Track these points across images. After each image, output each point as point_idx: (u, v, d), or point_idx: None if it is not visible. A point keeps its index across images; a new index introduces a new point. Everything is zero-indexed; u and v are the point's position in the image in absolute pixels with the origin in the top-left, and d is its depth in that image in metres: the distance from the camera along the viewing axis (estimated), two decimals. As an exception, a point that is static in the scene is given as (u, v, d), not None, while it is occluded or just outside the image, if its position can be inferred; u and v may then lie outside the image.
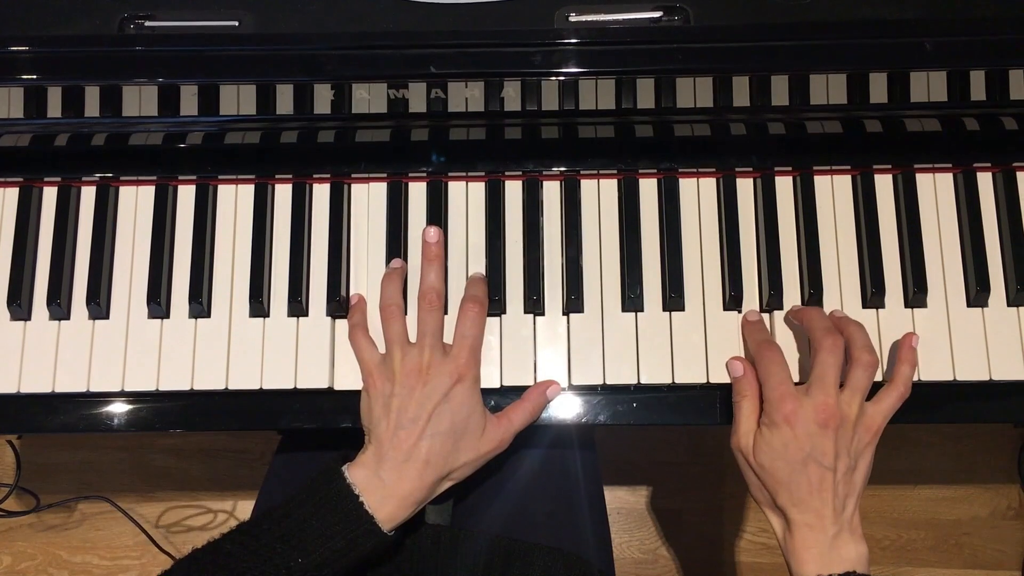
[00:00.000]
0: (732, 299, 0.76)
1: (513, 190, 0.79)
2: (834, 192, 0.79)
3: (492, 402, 0.75)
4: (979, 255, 0.77)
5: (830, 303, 0.76)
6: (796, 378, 0.74)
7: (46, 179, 0.80)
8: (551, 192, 0.79)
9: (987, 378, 0.75)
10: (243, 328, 0.77)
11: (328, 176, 0.80)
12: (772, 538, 1.49)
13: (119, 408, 0.76)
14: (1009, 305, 0.77)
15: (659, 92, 0.73)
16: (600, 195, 0.79)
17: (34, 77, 0.73)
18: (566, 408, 0.76)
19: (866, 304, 0.77)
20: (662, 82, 0.72)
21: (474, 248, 0.78)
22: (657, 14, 0.73)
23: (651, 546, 1.49)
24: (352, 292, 0.78)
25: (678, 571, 1.50)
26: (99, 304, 0.77)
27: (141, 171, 0.80)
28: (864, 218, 0.78)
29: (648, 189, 0.79)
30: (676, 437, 1.52)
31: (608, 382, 0.75)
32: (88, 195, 0.80)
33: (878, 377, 0.74)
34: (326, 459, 0.71)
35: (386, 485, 0.68)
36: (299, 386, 0.76)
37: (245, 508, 1.52)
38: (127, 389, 0.76)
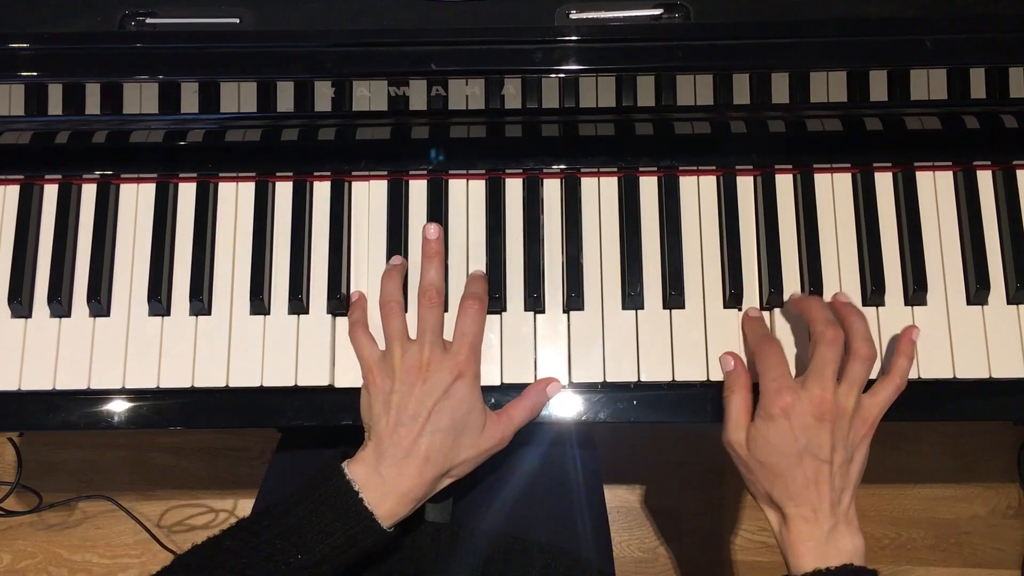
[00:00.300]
0: (732, 297, 0.76)
1: (513, 188, 0.79)
2: (834, 190, 0.79)
3: (492, 400, 0.75)
4: (979, 253, 0.77)
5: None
6: (793, 372, 0.74)
7: (47, 177, 0.80)
8: (551, 190, 0.79)
9: (987, 376, 0.75)
10: (244, 326, 0.77)
11: (329, 174, 0.80)
12: (771, 537, 1.49)
13: (120, 405, 0.76)
14: (1009, 303, 0.77)
15: (659, 90, 0.73)
16: (600, 193, 0.79)
17: (35, 74, 0.73)
18: (566, 406, 0.76)
19: (866, 302, 0.77)
20: (662, 80, 0.73)
21: (475, 246, 0.78)
22: (658, 11, 0.73)
23: (651, 544, 1.49)
24: (353, 290, 0.78)
25: (678, 570, 1.50)
26: (100, 302, 0.77)
27: (142, 169, 0.80)
28: (864, 216, 0.78)
29: (648, 187, 0.79)
30: (676, 435, 1.52)
31: (608, 380, 0.75)
32: (89, 193, 0.80)
33: (878, 372, 0.74)
34: (326, 456, 0.71)
35: (386, 482, 0.68)
36: (300, 384, 0.76)
37: (246, 506, 1.52)
38: (128, 386, 0.76)
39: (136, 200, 0.80)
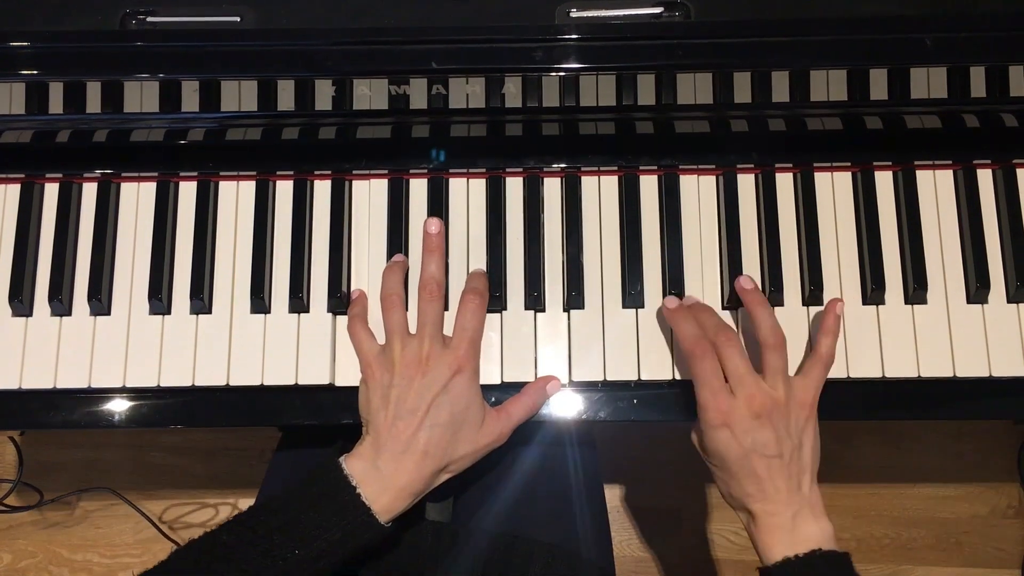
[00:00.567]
0: (732, 296, 0.76)
1: (514, 187, 0.79)
2: (834, 189, 0.79)
3: (492, 398, 0.75)
4: (979, 252, 0.77)
5: (830, 299, 0.76)
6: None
7: (48, 176, 0.80)
8: (552, 189, 0.79)
9: (987, 374, 0.75)
10: (244, 324, 0.77)
11: (329, 172, 0.80)
12: (772, 536, 1.50)
13: (120, 404, 0.76)
14: (1009, 301, 0.77)
15: (660, 88, 0.73)
16: (601, 192, 0.79)
17: (35, 73, 0.73)
18: (567, 405, 0.76)
19: (866, 300, 0.77)
20: (663, 78, 0.73)
21: (475, 244, 0.78)
22: (658, 10, 0.73)
23: (651, 544, 1.49)
24: (353, 288, 0.78)
25: (677, 569, 1.50)
26: (100, 300, 0.77)
27: (142, 167, 0.80)
28: (864, 215, 0.78)
29: (649, 186, 0.79)
30: (676, 435, 1.52)
31: (608, 379, 0.75)
32: (89, 191, 0.80)
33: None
34: (325, 453, 0.71)
35: (383, 476, 0.68)
36: (300, 382, 0.76)
37: (246, 505, 1.51)
38: (128, 385, 0.76)
39: (137, 199, 0.80)
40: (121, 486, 1.48)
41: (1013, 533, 1.51)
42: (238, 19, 0.73)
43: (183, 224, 0.79)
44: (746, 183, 0.79)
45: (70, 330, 0.77)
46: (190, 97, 0.73)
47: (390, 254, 0.78)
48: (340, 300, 0.77)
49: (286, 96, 0.73)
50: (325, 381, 0.76)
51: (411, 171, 0.79)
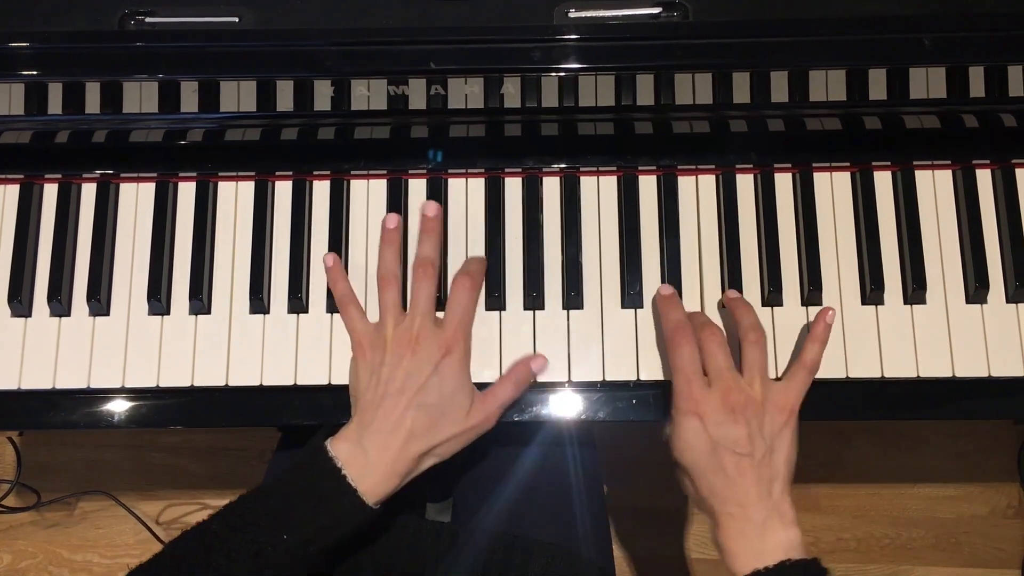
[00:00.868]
0: (731, 296, 0.76)
1: (513, 187, 0.79)
2: (833, 189, 0.79)
3: (492, 398, 0.75)
4: (978, 252, 0.77)
5: (829, 300, 0.76)
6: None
7: (47, 176, 0.80)
8: (551, 189, 0.79)
9: (986, 375, 0.75)
10: (243, 325, 0.77)
11: (328, 173, 0.80)
12: (772, 536, 1.50)
13: (119, 404, 0.76)
14: (1008, 302, 0.77)
15: (658, 88, 0.73)
16: (600, 192, 0.79)
17: (34, 73, 0.73)
18: (566, 405, 0.76)
19: (865, 301, 0.77)
20: (661, 78, 0.73)
21: (474, 245, 0.78)
22: (656, 10, 0.73)
23: (651, 544, 1.49)
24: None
25: (677, 569, 1.50)
26: (100, 301, 0.77)
27: (142, 168, 0.80)
28: (863, 215, 0.78)
29: (648, 186, 0.79)
30: (676, 435, 1.52)
31: (608, 379, 0.75)
32: (89, 192, 0.80)
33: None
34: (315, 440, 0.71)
35: (369, 456, 0.67)
36: (299, 383, 0.76)
37: (246, 506, 1.52)
38: (127, 385, 0.76)
39: (136, 199, 0.80)
40: (120, 486, 1.48)
41: (1013, 533, 1.51)
42: (237, 20, 0.73)
43: (182, 224, 0.79)
44: (745, 183, 0.79)
45: (69, 330, 0.77)
46: (189, 98, 0.73)
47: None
48: (339, 300, 0.77)
49: (285, 96, 0.73)
50: (324, 381, 0.76)
51: (410, 171, 0.79)
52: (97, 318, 0.77)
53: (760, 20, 0.73)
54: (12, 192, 0.80)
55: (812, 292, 0.76)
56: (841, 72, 0.72)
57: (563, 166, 0.79)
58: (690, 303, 0.77)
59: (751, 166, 0.79)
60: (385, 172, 0.80)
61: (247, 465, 1.54)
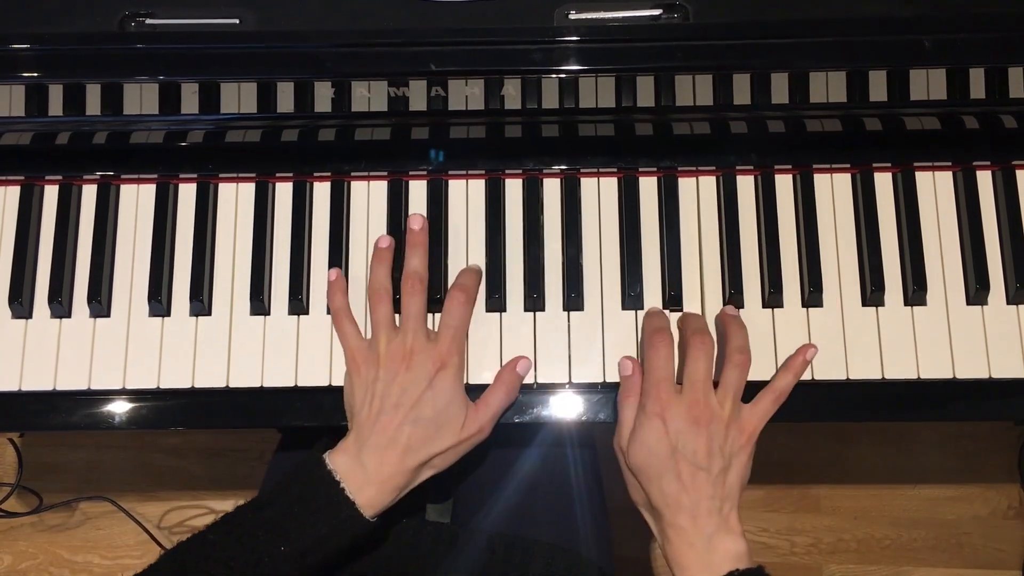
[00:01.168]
0: (732, 297, 0.76)
1: (513, 188, 0.79)
2: (834, 190, 0.79)
3: (492, 400, 0.75)
4: (979, 253, 0.77)
5: (830, 301, 0.76)
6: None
7: (47, 177, 0.80)
8: (551, 190, 0.79)
9: (987, 376, 0.75)
10: (244, 326, 0.77)
11: (329, 174, 0.80)
12: (772, 537, 1.50)
13: (120, 406, 0.76)
14: (1008, 303, 0.77)
15: (659, 90, 0.73)
16: (600, 193, 0.79)
17: (35, 75, 0.73)
18: (567, 406, 0.76)
19: (866, 302, 0.77)
20: (662, 80, 0.73)
21: (474, 246, 0.78)
22: (657, 12, 0.73)
23: (651, 544, 1.49)
24: (329, 270, 0.77)
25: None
26: (100, 302, 0.77)
27: (142, 169, 0.80)
28: (864, 216, 0.78)
29: (648, 187, 0.79)
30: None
31: (608, 380, 0.75)
32: (89, 193, 0.80)
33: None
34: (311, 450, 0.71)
35: (367, 470, 0.68)
36: (300, 384, 0.76)
37: (246, 507, 1.52)
38: (128, 387, 0.76)
39: (136, 201, 0.80)
40: (121, 488, 1.48)
41: (1014, 534, 1.51)
42: (237, 21, 0.73)
43: (183, 226, 0.79)
44: (745, 185, 0.79)
45: (70, 332, 0.77)
46: (189, 99, 0.73)
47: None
48: (340, 302, 0.76)
49: (285, 98, 0.73)
50: (325, 382, 0.76)
51: (410, 172, 0.80)
52: (98, 319, 0.77)
53: (760, 21, 0.73)
54: (13, 193, 0.80)
55: (812, 293, 0.76)
56: (842, 73, 0.72)
57: (563, 167, 0.79)
58: (690, 305, 0.77)
59: (751, 167, 0.79)
60: (386, 173, 0.80)
61: (247, 466, 1.55)
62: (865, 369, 0.75)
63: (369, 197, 0.80)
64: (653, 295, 0.77)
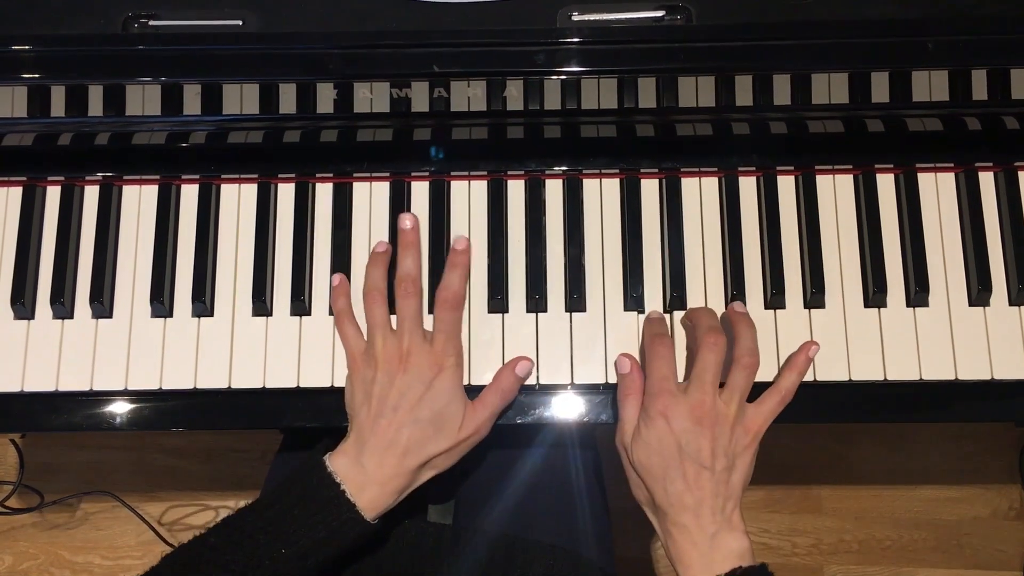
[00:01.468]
0: (734, 298, 0.76)
1: (516, 189, 0.79)
2: (836, 191, 0.79)
3: (494, 401, 0.75)
4: (981, 254, 0.77)
5: (832, 302, 0.77)
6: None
7: (50, 178, 0.80)
8: (554, 191, 0.79)
9: (989, 377, 0.75)
10: (246, 327, 0.77)
11: (331, 176, 0.80)
12: (773, 538, 1.50)
13: (122, 407, 0.76)
14: (1011, 304, 0.77)
15: (661, 91, 0.73)
16: (602, 194, 0.79)
17: (37, 76, 0.73)
18: (569, 407, 0.76)
19: (868, 303, 0.77)
20: (664, 81, 0.73)
21: (476, 247, 0.78)
22: (659, 13, 0.73)
23: (652, 545, 1.49)
24: (333, 275, 0.77)
25: (679, 571, 1.50)
26: (102, 303, 0.77)
27: (144, 170, 0.80)
28: (866, 217, 0.78)
29: (650, 188, 0.79)
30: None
31: (610, 381, 0.75)
32: (91, 194, 0.80)
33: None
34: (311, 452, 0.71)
35: (367, 472, 0.68)
36: (302, 385, 0.76)
37: (247, 508, 1.52)
38: (130, 388, 0.76)
39: (139, 202, 0.80)
40: (122, 488, 1.48)
41: (1014, 535, 1.51)
42: (240, 23, 0.73)
43: (185, 227, 0.79)
44: (748, 186, 0.79)
45: (72, 333, 0.77)
46: (192, 100, 0.73)
47: (392, 256, 0.78)
48: (342, 303, 0.77)
49: (288, 99, 0.73)
50: (327, 383, 0.76)
51: (413, 174, 0.80)
52: (100, 320, 0.77)
53: (763, 23, 0.73)
54: (15, 194, 0.80)
55: (815, 295, 0.76)
56: (844, 75, 0.73)
57: (566, 168, 0.79)
58: (693, 306, 0.77)
59: (754, 168, 0.79)
60: (388, 174, 0.80)
61: (249, 466, 1.55)
62: (867, 370, 0.75)
63: (371, 198, 0.80)
64: (655, 296, 0.77)
